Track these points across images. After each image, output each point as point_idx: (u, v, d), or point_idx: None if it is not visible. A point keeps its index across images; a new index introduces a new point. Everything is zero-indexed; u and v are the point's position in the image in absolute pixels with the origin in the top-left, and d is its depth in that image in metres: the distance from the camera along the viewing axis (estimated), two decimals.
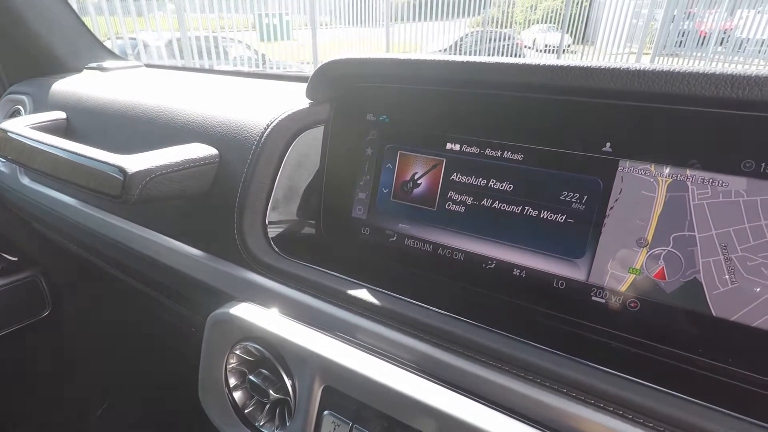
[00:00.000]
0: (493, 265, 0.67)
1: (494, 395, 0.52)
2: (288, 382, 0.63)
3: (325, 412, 0.59)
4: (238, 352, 0.68)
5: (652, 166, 0.56)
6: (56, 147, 0.79)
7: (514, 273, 0.65)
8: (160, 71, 1.30)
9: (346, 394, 0.57)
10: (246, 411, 0.70)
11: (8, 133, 0.88)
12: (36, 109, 1.13)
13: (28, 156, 0.84)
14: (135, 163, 0.70)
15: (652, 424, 0.47)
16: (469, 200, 0.68)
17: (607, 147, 0.59)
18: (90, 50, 1.33)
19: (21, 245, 1.33)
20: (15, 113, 1.17)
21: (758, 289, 0.52)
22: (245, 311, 0.66)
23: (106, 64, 1.27)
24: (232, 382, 0.70)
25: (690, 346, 0.54)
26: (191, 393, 1.54)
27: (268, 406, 0.69)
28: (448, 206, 0.69)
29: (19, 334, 1.38)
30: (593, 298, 0.61)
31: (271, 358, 0.63)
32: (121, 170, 0.70)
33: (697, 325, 0.55)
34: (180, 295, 0.85)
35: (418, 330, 0.59)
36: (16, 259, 1.35)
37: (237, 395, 0.70)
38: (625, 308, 0.59)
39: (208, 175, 0.77)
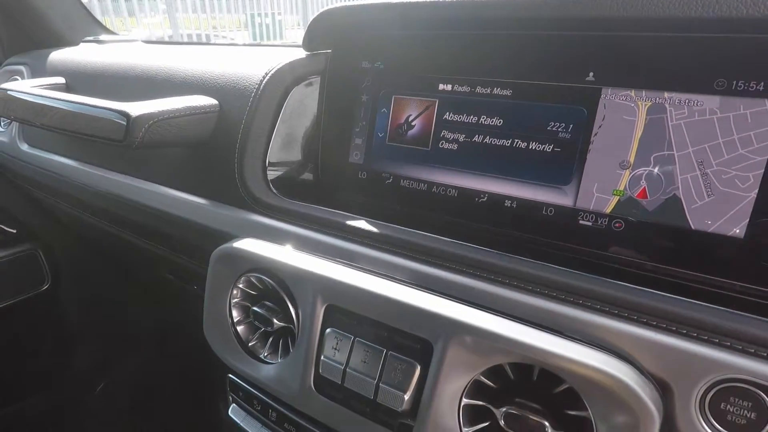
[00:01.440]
0: (485, 198, 0.70)
1: (491, 302, 0.55)
2: (291, 310, 0.65)
3: (328, 330, 0.61)
4: (241, 285, 0.71)
5: (633, 91, 0.60)
6: (60, 100, 0.82)
7: (506, 204, 0.68)
8: (157, 45, 1.33)
9: (348, 310, 0.60)
10: (250, 344, 0.72)
11: (11, 93, 0.90)
12: (34, 77, 1.15)
13: (34, 112, 0.86)
14: (138, 108, 0.73)
15: (636, 317, 0.50)
16: (462, 137, 0.71)
17: (590, 77, 0.62)
18: (86, 25, 1.35)
19: (20, 217, 1.35)
20: (13, 81, 1.19)
21: (732, 200, 0.55)
22: (248, 244, 0.69)
23: (103, 37, 1.29)
24: (236, 316, 0.73)
25: (671, 259, 0.58)
26: (194, 365, 1.56)
27: (271, 339, 0.72)
28: (442, 145, 0.72)
29: (17, 308, 1.39)
30: (580, 221, 0.64)
31: (275, 286, 0.66)
32: (125, 114, 0.72)
33: (678, 239, 0.58)
34: (183, 245, 0.87)
35: (414, 252, 0.62)
36: (15, 231, 1.36)
37: (240, 329, 0.73)
38: (611, 229, 0.62)
39: (208, 123, 0.79)
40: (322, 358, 0.61)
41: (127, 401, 1.67)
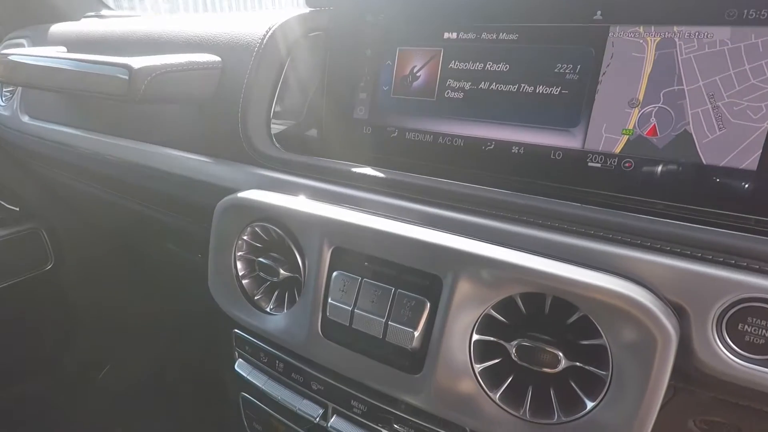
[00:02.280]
0: (492, 145, 0.69)
1: (501, 238, 0.54)
2: (298, 257, 0.64)
3: (335, 274, 0.60)
4: (246, 237, 0.70)
5: (641, 27, 0.59)
6: (62, 59, 0.81)
7: (513, 150, 0.68)
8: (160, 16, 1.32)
9: (355, 251, 0.59)
10: (255, 298, 0.72)
11: (13, 58, 0.89)
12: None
13: (39, 77, 0.85)
14: (140, 61, 0.72)
15: (650, 243, 0.49)
16: (468, 85, 0.70)
17: (598, 15, 0.61)
18: (87, 2, 1.35)
19: (24, 195, 1.34)
20: None
21: (744, 132, 0.54)
22: (253, 194, 0.68)
23: (104, 12, 1.28)
24: (241, 270, 0.72)
25: (683, 197, 0.57)
26: (200, 346, 1.55)
27: (276, 292, 0.71)
28: (447, 94, 0.72)
29: (19, 288, 1.39)
30: (589, 164, 0.63)
31: (281, 234, 0.65)
32: (126, 67, 0.71)
33: (690, 175, 0.57)
34: (188, 206, 0.86)
35: (422, 194, 0.61)
36: (18, 209, 1.35)
37: (246, 283, 0.72)
38: (621, 169, 0.61)
39: (211, 79, 0.79)
40: (329, 301, 0.60)
41: (133, 385, 1.66)
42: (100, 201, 1.14)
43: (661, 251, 0.49)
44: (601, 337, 0.48)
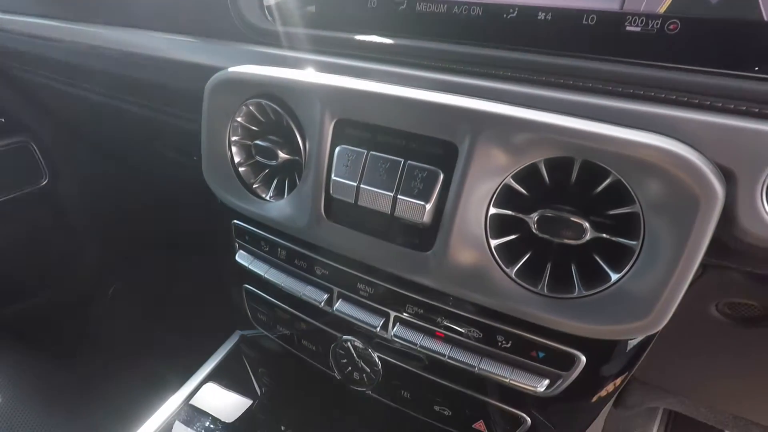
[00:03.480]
0: (515, 12, 0.61)
1: (524, 101, 0.48)
2: (297, 135, 0.59)
3: (338, 149, 0.55)
4: (240, 119, 0.64)
5: None
6: None
7: (539, 17, 0.59)
8: None
9: (360, 122, 0.54)
10: (254, 186, 0.67)
11: None
12: None
13: None
14: None
15: (697, 100, 0.43)
16: None
17: None
18: None
19: (6, 105, 1.26)
20: None
21: None
22: (246, 68, 0.62)
23: None
24: (237, 158, 0.67)
25: (737, 62, 0.49)
26: (202, 253, 1.54)
27: (276, 180, 0.66)
28: None
29: (17, 203, 1.35)
30: (628, 28, 0.55)
31: (278, 110, 0.59)
32: None
33: (747, 36, 0.49)
34: (178, 94, 0.80)
35: (433, 60, 0.54)
36: (2, 120, 1.28)
37: (243, 171, 0.67)
38: (664, 33, 0.53)
39: None
40: (332, 178, 0.55)
41: (140, 303, 1.68)
42: (87, 104, 1.07)
43: (709, 108, 0.43)
44: (633, 203, 0.44)
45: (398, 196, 0.51)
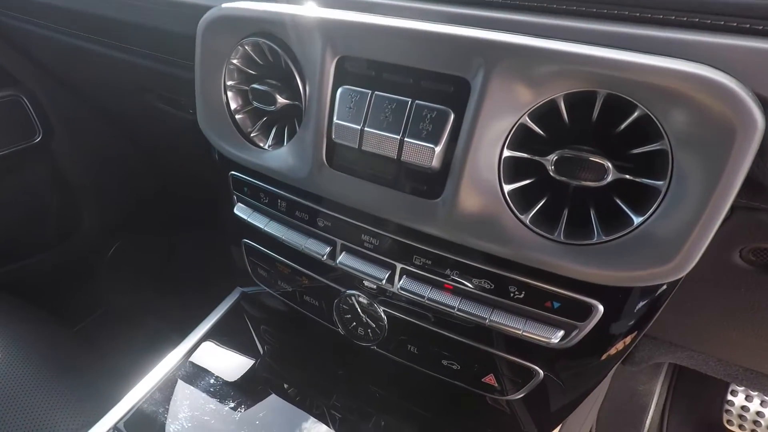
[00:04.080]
0: None
1: (542, 31, 0.44)
2: (297, 77, 0.55)
3: (340, 90, 0.51)
4: (236, 62, 0.60)
5: None
6: None
7: None
8: None
9: (363, 59, 0.49)
10: (252, 135, 0.64)
11: None
12: None
13: None
14: None
15: (735, 23, 0.39)
16: None
17: None
18: None
19: None
20: None
21: None
22: (241, 4, 0.57)
23: None
24: (234, 105, 0.63)
25: None
26: (201, 211, 1.53)
27: (275, 128, 0.63)
28: None
29: (11, 161, 1.32)
30: None
31: (277, 50, 0.55)
32: None
33: None
34: (166, 38, 0.75)
35: None
36: None
37: (240, 119, 0.64)
38: None
39: None
40: (334, 122, 0.52)
41: (140, 262, 1.68)
42: (76, 53, 1.01)
43: (748, 33, 0.39)
44: (661, 138, 0.40)
45: (405, 139, 0.48)
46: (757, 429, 1.27)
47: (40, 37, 1.06)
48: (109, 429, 0.61)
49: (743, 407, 1.28)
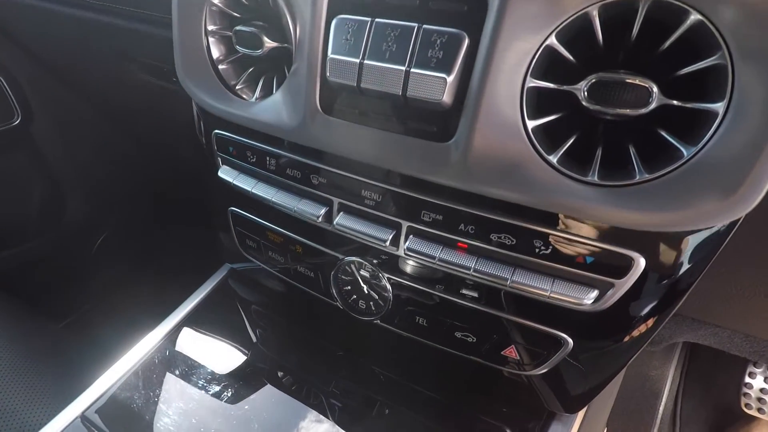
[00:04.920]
0: None
1: None
2: (287, 14, 0.48)
3: (335, 20, 0.45)
4: (218, 2, 0.53)
5: None
6: None
7: None
8: None
9: None
10: (237, 88, 0.57)
11: None
12: None
13: None
14: None
15: None
16: None
17: None
18: None
19: None
20: None
21: None
22: None
23: None
24: (216, 53, 0.56)
25: None
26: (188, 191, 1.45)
27: (262, 80, 0.56)
28: None
29: None
30: None
31: None
32: None
33: None
34: None
35: None
36: None
37: (223, 69, 0.57)
38: None
39: None
40: (329, 57, 0.45)
41: (125, 246, 1.61)
42: (51, 19, 0.94)
43: None
44: (718, 50, 0.34)
45: (412, 70, 0.41)
46: None
47: (13, 5, 0.99)
48: (75, 418, 0.54)
49: (762, 389, 1.22)
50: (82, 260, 1.57)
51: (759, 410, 1.23)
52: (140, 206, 1.65)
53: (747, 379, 1.23)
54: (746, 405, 1.24)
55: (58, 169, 1.45)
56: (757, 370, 1.22)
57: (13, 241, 1.42)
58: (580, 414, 0.59)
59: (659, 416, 1.32)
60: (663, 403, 1.32)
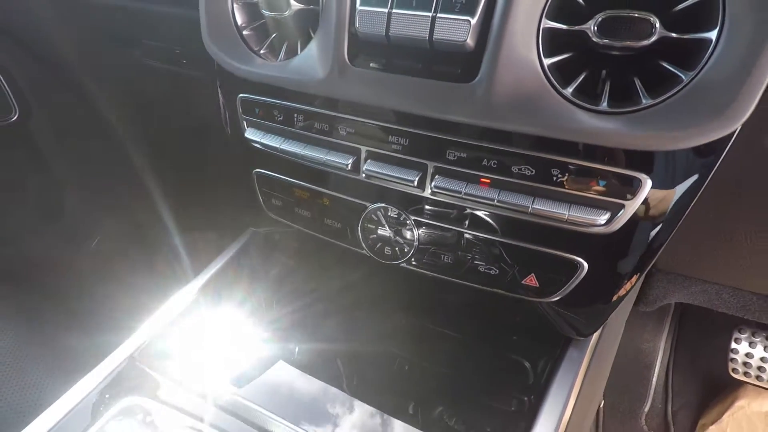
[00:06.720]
0: None
1: None
2: None
3: None
4: None
5: None
6: None
7: None
8: None
9: None
10: (261, 53, 0.60)
11: None
12: None
13: None
14: None
15: None
16: None
17: None
18: None
19: None
20: None
21: None
22: None
23: None
24: (240, 20, 0.60)
25: None
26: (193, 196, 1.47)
27: (286, 45, 0.60)
28: None
29: None
30: None
31: None
32: None
33: None
34: None
35: None
36: None
37: (247, 35, 0.60)
38: None
39: None
40: (358, 8, 0.49)
41: (124, 253, 1.60)
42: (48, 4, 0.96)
43: None
44: None
45: (438, 15, 0.45)
46: (762, 374, 1.28)
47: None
48: (125, 358, 0.56)
49: (747, 354, 1.29)
50: (80, 258, 1.55)
51: (745, 374, 1.30)
52: (141, 207, 1.65)
53: (733, 345, 1.30)
54: (733, 370, 1.31)
55: (56, 165, 1.44)
56: (742, 336, 1.29)
57: (7, 238, 1.41)
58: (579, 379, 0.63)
59: (653, 387, 1.38)
60: (656, 374, 1.38)
